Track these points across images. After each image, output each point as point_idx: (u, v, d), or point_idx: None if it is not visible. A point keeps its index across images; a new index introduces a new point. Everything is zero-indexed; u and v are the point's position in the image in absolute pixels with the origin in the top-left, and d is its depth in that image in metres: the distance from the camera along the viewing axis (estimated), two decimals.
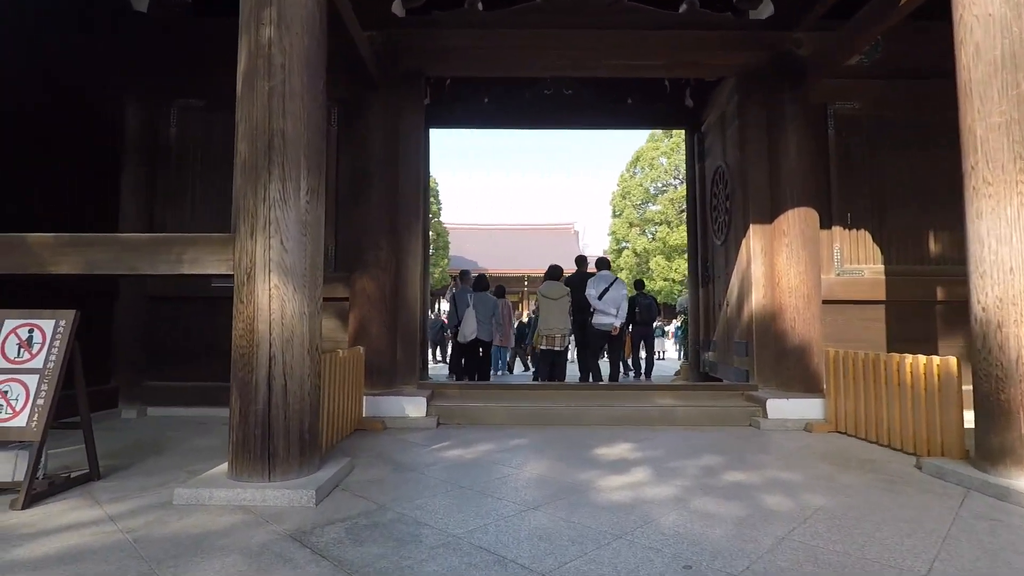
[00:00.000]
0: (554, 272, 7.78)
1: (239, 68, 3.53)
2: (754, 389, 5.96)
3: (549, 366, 7.43)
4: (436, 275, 36.45)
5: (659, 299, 35.33)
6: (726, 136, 6.97)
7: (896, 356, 4.49)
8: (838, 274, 6.21)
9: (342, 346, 6.09)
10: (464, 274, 11.00)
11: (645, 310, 9.79)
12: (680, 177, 35.20)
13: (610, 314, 7.15)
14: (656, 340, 12.03)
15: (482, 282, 8.87)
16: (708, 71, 6.74)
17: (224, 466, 3.44)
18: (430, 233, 34.83)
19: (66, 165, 5.56)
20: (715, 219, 7.50)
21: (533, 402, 5.71)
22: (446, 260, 37.10)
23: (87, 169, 5.89)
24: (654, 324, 10.40)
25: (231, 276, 3.46)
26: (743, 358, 6.34)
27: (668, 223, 34.07)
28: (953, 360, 4.02)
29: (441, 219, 37.51)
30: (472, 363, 8.30)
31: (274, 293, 3.31)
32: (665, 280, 33.83)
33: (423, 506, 3.07)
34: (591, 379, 7.57)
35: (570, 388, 6.11)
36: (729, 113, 6.82)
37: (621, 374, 10.20)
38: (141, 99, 6.42)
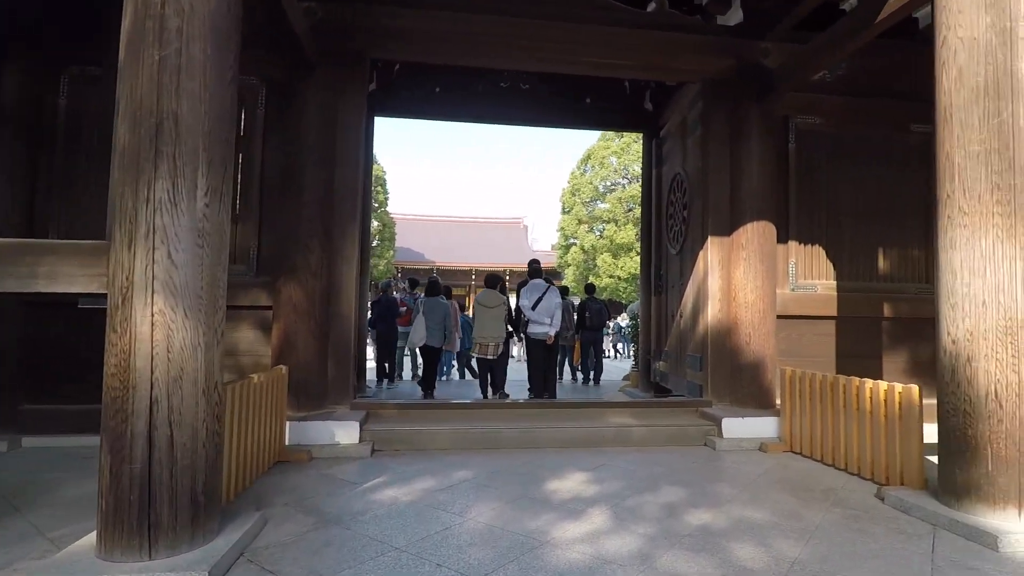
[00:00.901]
0: (492, 280, 7.52)
1: (123, 30, 2.83)
2: (708, 405, 5.80)
3: (487, 373, 7.23)
4: (381, 267, 35.52)
5: (605, 295, 35.66)
6: (686, 143, 6.78)
7: (855, 380, 4.38)
8: (792, 289, 6.13)
9: (264, 361, 5.56)
10: (413, 283, 10.57)
11: (595, 315, 9.59)
12: (629, 177, 35.54)
13: (544, 323, 6.86)
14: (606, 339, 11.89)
15: (435, 288, 8.46)
16: (675, 75, 6.52)
17: (93, 537, 2.68)
18: (375, 224, 33.50)
19: None
20: (671, 227, 7.33)
21: (479, 424, 5.35)
22: (392, 252, 36.21)
23: None
24: (604, 329, 10.24)
25: (105, 296, 2.77)
26: (697, 372, 6.19)
27: (616, 221, 34.36)
28: (915, 389, 3.91)
29: (388, 209, 36.57)
30: (425, 370, 8.02)
31: (158, 320, 2.65)
32: (611, 277, 34.14)
33: None
34: (540, 390, 7.27)
35: (519, 407, 5.79)
36: (691, 120, 6.63)
37: (570, 380, 9.99)
38: (19, 61, 5.33)
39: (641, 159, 8.79)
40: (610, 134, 36.60)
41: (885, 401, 4.10)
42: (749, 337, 5.76)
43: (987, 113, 3.28)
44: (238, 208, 5.75)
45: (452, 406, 5.70)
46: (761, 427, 5.31)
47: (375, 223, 35.18)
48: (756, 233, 5.80)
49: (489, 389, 7.33)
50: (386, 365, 9.08)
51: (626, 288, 34.01)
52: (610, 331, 18.92)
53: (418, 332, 7.71)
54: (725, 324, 5.94)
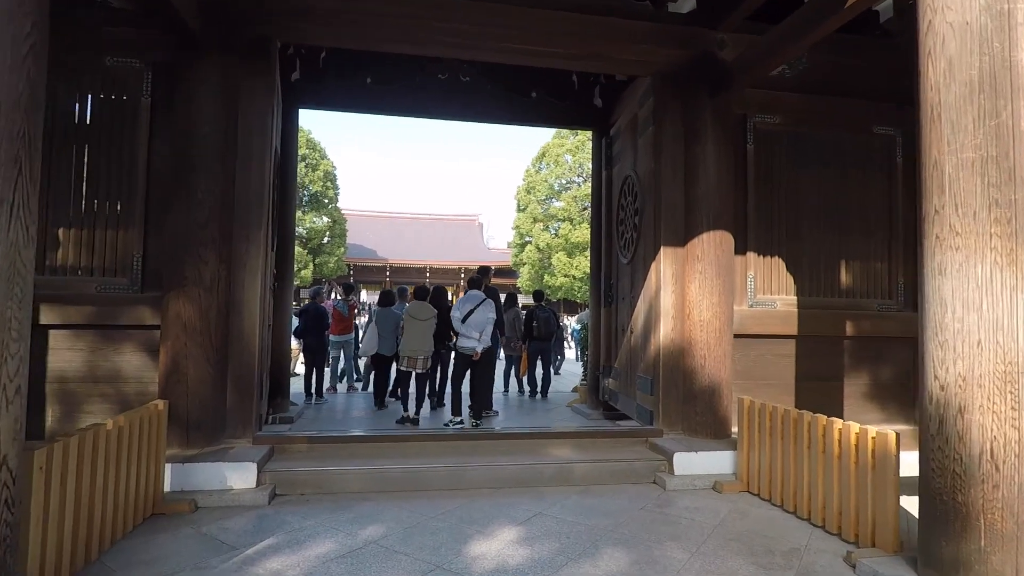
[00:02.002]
0: (422, 292, 7.15)
1: None
2: (658, 435, 5.22)
3: (407, 387, 6.66)
4: (331, 264, 34.18)
5: (559, 295, 35.25)
6: (637, 143, 6.17)
7: (822, 419, 3.84)
8: (751, 305, 5.60)
9: (152, 389, 4.70)
10: (348, 289, 9.77)
11: (543, 324, 8.93)
12: (584, 175, 35.16)
13: (471, 337, 6.39)
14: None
15: (388, 298, 7.90)
16: (623, 67, 5.89)
17: None
18: (324, 220, 32.31)
19: None
20: (622, 234, 6.73)
21: (400, 462, 4.62)
22: (343, 249, 34.91)
23: None
24: (553, 338, 9.60)
25: None
26: (647, 396, 5.59)
27: (571, 220, 33.94)
28: (892, 436, 3.36)
29: (339, 205, 35.21)
30: (377, 379, 7.76)
31: None
32: (566, 276, 33.74)
33: None
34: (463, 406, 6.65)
35: (448, 438, 5.07)
36: (641, 117, 6.02)
37: (519, 391, 9.33)
38: None
39: (593, 161, 8.18)
40: (565, 131, 36.10)
41: (856, 446, 3.55)
42: (704, 359, 5.19)
43: (983, 113, 2.72)
44: (119, 209, 4.86)
45: (371, 439, 4.95)
46: (716, 462, 4.74)
47: (324, 219, 33.79)
48: (712, 243, 5.24)
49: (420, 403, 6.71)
50: (314, 379, 8.22)
51: (581, 288, 33.66)
52: (568, 334, 18.43)
53: (370, 341, 7.50)
54: (678, 344, 5.37)
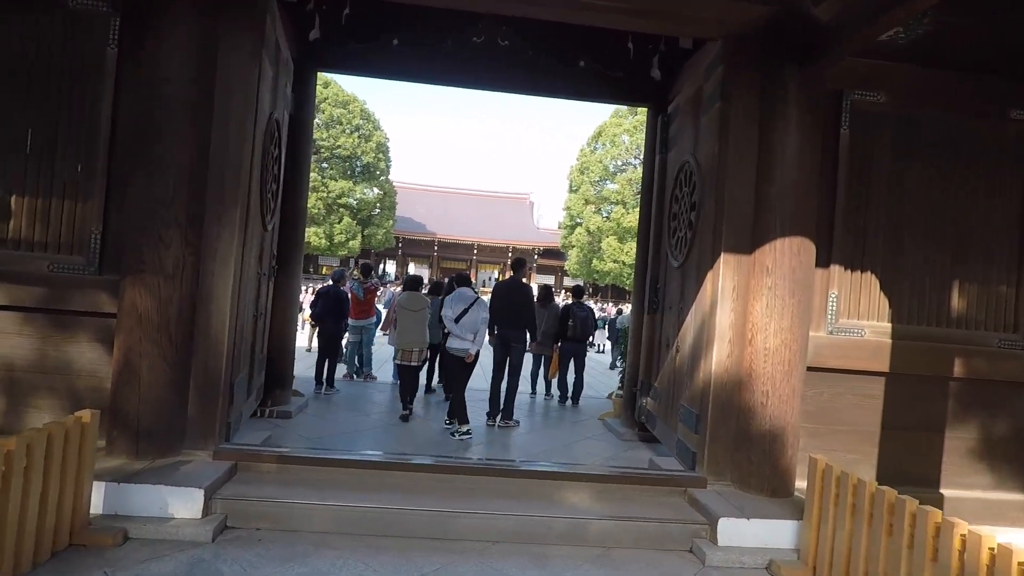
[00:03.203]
0: (414, 283, 6.93)
1: None
2: (701, 485, 4.19)
3: (408, 380, 6.49)
4: (379, 237, 33.94)
5: (607, 280, 33.93)
6: (700, 123, 5.04)
7: (935, 515, 2.74)
8: (831, 332, 4.45)
9: (107, 386, 3.99)
10: (367, 270, 9.00)
11: (580, 324, 7.93)
12: (641, 157, 33.47)
13: (465, 339, 5.91)
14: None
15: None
16: (688, 26, 4.74)
17: None
18: (375, 192, 32.20)
19: None
20: (674, 231, 5.63)
21: (381, 496, 3.78)
22: (391, 222, 34.60)
23: None
24: (590, 340, 8.59)
25: None
26: (691, 433, 4.56)
27: (624, 204, 32.46)
28: None
29: (390, 177, 34.82)
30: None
31: None
32: (615, 262, 32.43)
33: None
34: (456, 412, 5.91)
35: (440, 470, 4.17)
36: (707, 92, 4.88)
37: (545, 395, 8.40)
38: None
39: (645, 141, 7.05)
40: (624, 110, 34.37)
41: (989, 566, 2.46)
42: (766, 396, 4.11)
43: None
44: (77, 176, 4.13)
45: (350, 463, 4.13)
46: (773, 534, 3.70)
47: (375, 191, 33.42)
48: (787, 252, 4.11)
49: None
50: (326, 367, 7.52)
51: (631, 275, 32.24)
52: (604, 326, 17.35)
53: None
54: (734, 375, 4.30)
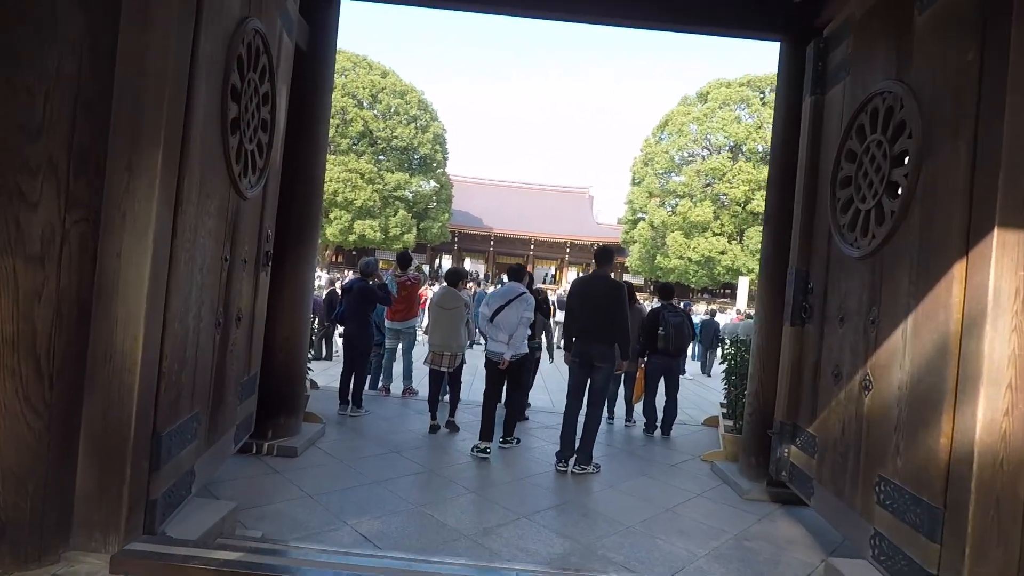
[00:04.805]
0: (453, 276, 5.90)
1: None
2: None
3: (437, 388, 5.68)
4: (435, 230, 32.58)
5: (671, 278, 31.37)
6: (916, 27, 3.02)
7: None
8: None
9: None
10: (404, 261, 7.28)
11: (674, 333, 5.98)
12: (710, 147, 30.74)
13: (499, 341, 5.01)
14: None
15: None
16: None
17: None
18: (431, 184, 30.65)
19: None
20: (847, 204, 3.62)
21: None
22: (447, 215, 33.16)
23: None
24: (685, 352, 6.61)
25: None
26: (918, 536, 2.59)
27: (691, 196, 29.88)
28: None
29: (446, 170, 33.39)
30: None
31: None
32: (680, 258, 29.93)
33: None
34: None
35: None
36: None
37: (626, 422, 6.50)
38: None
39: (779, 83, 5.01)
40: (691, 98, 31.67)
41: None
42: None
43: None
44: None
45: (319, 565, 2.40)
46: None
47: (431, 183, 32.01)
48: None
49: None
50: (352, 381, 5.88)
51: (696, 272, 29.60)
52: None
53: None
54: (1020, 447, 2.31)
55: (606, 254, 4.93)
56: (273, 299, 4.40)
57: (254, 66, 3.36)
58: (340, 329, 6.62)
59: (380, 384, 7.00)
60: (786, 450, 4.13)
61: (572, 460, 4.65)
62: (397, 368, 7.17)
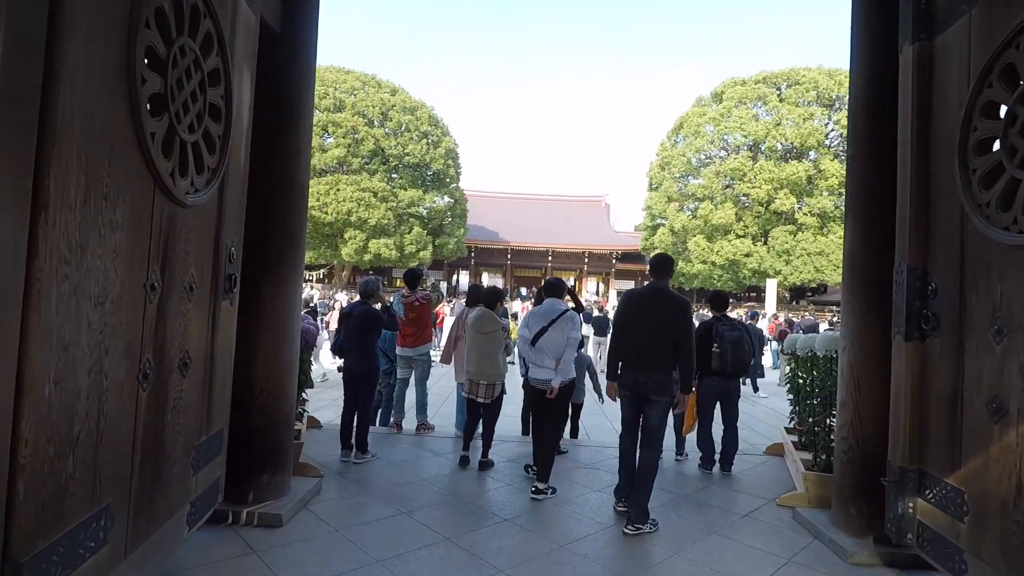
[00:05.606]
0: (491, 297, 5.02)
1: None
2: None
3: (474, 421, 5.05)
4: (451, 246, 31.82)
5: (694, 284, 30.14)
6: None
7: None
8: None
9: None
10: (413, 278, 6.30)
11: (732, 349, 4.97)
12: (727, 148, 29.61)
13: (545, 367, 4.27)
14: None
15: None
16: None
17: None
18: (445, 199, 29.88)
19: None
20: (994, 171, 2.64)
21: None
22: (463, 230, 32.39)
23: None
24: (745, 373, 5.57)
25: None
26: None
27: (711, 199, 28.75)
28: None
29: (460, 185, 32.69)
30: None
31: None
32: (704, 263, 28.74)
33: None
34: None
35: None
36: None
37: (676, 456, 5.48)
38: None
39: (854, 35, 4.02)
40: (706, 99, 30.62)
41: None
42: None
43: None
44: None
45: None
46: None
47: (445, 199, 31.29)
48: None
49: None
50: (355, 421, 4.96)
51: (721, 276, 28.35)
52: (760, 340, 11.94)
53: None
54: None
55: (665, 263, 3.99)
56: (247, 333, 3.54)
57: (191, 31, 2.51)
58: (340, 362, 5.68)
59: (392, 420, 6.08)
60: (910, 505, 3.11)
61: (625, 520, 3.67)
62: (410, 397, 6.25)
